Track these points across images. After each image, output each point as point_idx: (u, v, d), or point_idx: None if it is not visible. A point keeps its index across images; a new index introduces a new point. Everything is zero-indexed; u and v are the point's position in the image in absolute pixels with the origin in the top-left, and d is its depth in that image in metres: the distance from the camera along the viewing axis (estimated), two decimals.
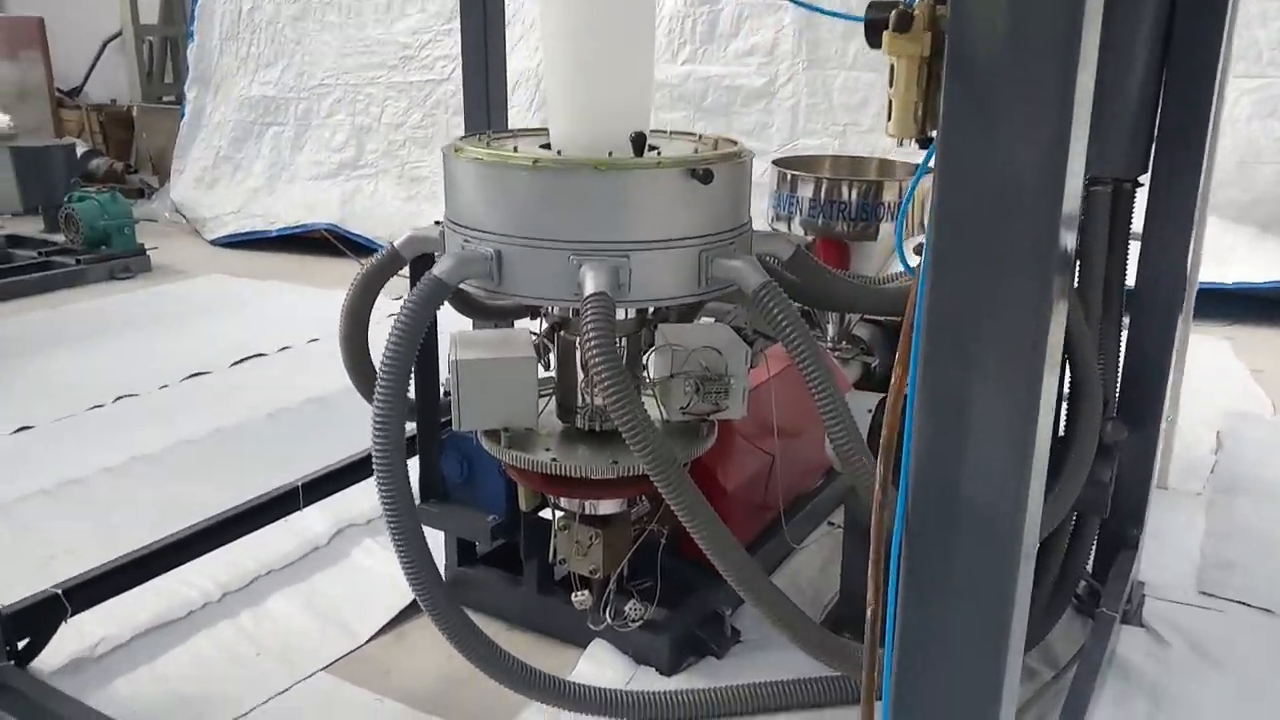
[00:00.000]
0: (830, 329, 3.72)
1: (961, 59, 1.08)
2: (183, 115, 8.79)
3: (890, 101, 1.26)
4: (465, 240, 2.17)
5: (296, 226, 7.76)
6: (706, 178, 2.08)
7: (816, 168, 3.83)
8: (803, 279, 2.44)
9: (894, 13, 1.22)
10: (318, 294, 6.30)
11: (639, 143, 2.16)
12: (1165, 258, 2.71)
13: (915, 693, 1.23)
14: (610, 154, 2.13)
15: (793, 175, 3.56)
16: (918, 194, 3.57)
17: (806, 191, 3.54)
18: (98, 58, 11.33)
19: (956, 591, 1.19)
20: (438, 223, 2.36)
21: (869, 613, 1.26)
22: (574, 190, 2.06)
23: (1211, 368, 4.83)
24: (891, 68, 1.25)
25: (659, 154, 2.23)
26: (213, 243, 8.01)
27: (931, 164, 1.20)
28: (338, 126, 8.04)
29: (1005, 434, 1.14)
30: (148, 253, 7.12)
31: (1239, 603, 2.91)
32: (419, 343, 2.03)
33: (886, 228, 3.51)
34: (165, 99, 10.59)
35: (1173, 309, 2.81)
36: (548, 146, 2.29)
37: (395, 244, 2.38)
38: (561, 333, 2.41)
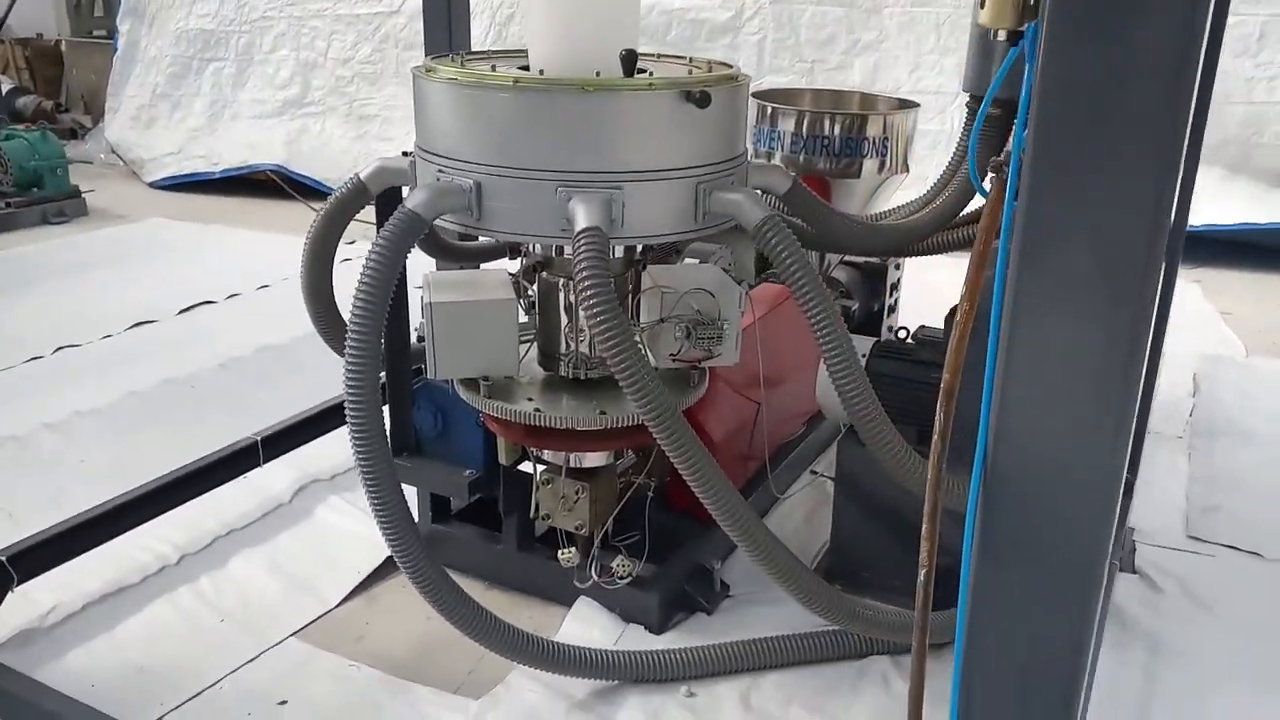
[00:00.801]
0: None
1: None
2: (115, 50, 8.33)
3: None
4: (440, 171, 1.99)
5: (241, 168, 7.42)
6: (703, 100, 1.92)
7: (797, 101, 3.68)
8: (799, 214, 2.30)
9: None
10: (265, 238, 6.02)
11: (629, 61, 1.99)
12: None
13: (989, 658, 1.11)
14: (598, 74, 1.96)
15: (773, 108, 3.41)
16: (899, 129, 3.47)
17: (788, 126, 3.40)
18: None
19: (1041, 552, 1.07)
20: (406, 153, 2.17)
21: (922, 574, 1.14)
22: (560, 114, 1.89)
23: (1183, 310, 4.79)
24: None
25: (651, 75, 2.06)
26: (152, 185, 7.64)
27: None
28: (282, 62, 7.68)
29: (1104, 371, 1.00)
30: (83, 196, 6.76)
31: (1228, 546, 2.88)
32: (393, 285, 1.86)
33: (870, 165, 3.39)
34: (96, 33, 10.06)
35: (1174, 248, 2.72)
36: (527, 69, 2.11)
37: (361, 176, 2.19)
38: (543, 274, 2.25)
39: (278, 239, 5.88)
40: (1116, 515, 1.07)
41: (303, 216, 6.59)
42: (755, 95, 3.57)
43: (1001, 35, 1.07)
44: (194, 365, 4.03)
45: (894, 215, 2.85)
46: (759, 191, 2.22)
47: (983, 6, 1.06)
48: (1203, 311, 5.01)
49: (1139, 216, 0.95)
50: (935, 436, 1.14)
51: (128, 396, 3.73)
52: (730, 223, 2.06)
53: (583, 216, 1.84)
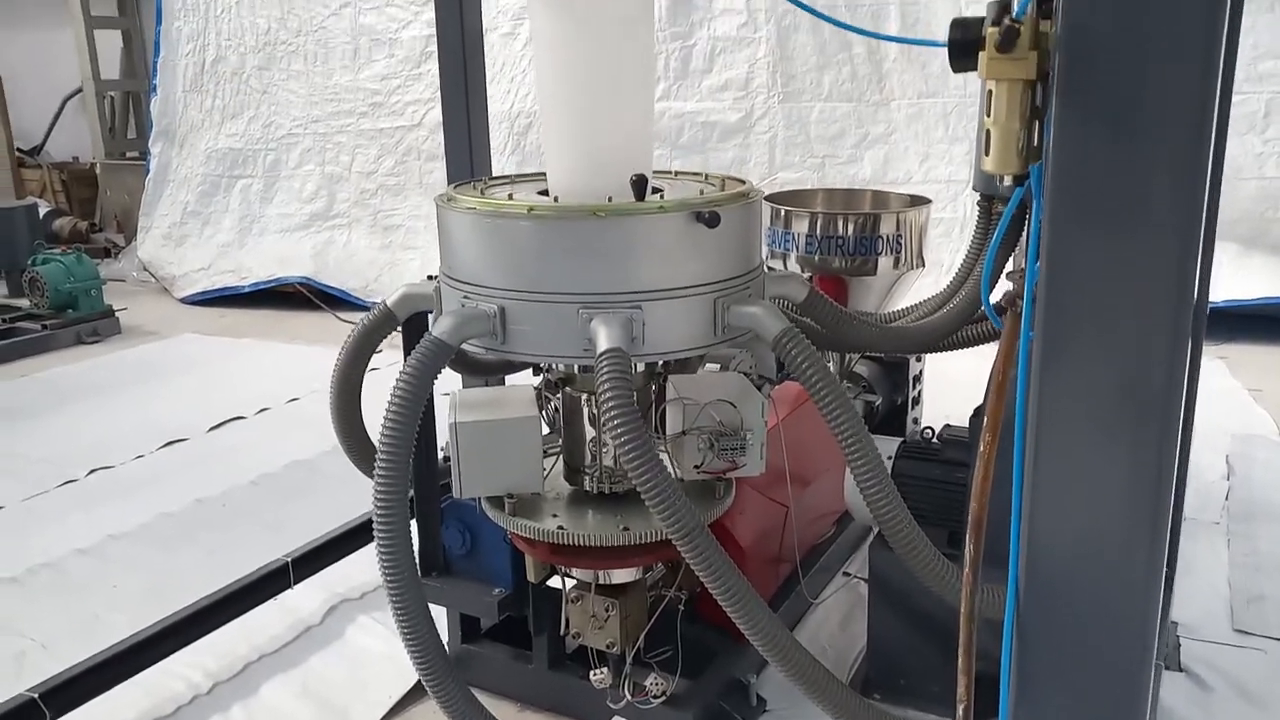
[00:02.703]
0: (831, 367, 3.61)
1: (1077, 76, 0.93)
2: (147, 171, 8.62)
3: (987, 133, 1.09)
4: (465, 297, 2.04)
5: (269, 281, 7.59)
6: (713, 221, 1.96)
7: (809, 202, 3.76)
8: (818, 322, 2.33)
9: (997, 30, 1.04)
10: (294, 351, 6.13)
11: (640, 186, 2.04)
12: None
13: None
14: (610, 199, 2.01)
15: (786, 211, 3.48)
16: (912, 226, 3.52)
17: (801, 227, 3.46)
18: (58, 115, 11.12)
19: (1082, 664, 1.05)
20: (431, 277, 2.23)
21: (960, 710, 1.12)
22: (576, 239, 1.94)
23: (1210, 388, 4.74)
24: (989, 94, 1.08)
25: (662, 197, 2.11)
26: (183, 301, 7.82)
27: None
28: (308, 176, 7.90)
29: (1135, 495, 1.00)
30: (116, 314, 6.92)
31: (1277, 639, 2.80)
32: (421, 412, 1.89)
33: (885, 262, 3.43)
34: (129, 155, 10.40)
35: (1198, 324, 2.71)
36: (546, 193, 2.17)
37: (388, 302, 2.25)
38: (567, 388, 2.28)
39: (306, 351, 5.99)
40: (1158, 624, 1.06)
41: (330, 327, 6.75)
42: (768, 198, 3.64)
43: (1007, 180, 1.10)
44: (225, 483, 4.07)
45: (912, 314, 2.87)
46: (780, 297, 2.26)
47: (987, 154, 1.08)
48: (1230, 389, 4.97)
49: (1157, 341, 0.96)
50: (966, 570, 1.14)
51: (160, 518, 3.76)
52: (750, 334, 2.09)
53: (604, 338, 1.87)
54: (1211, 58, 0.87)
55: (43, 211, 9.22)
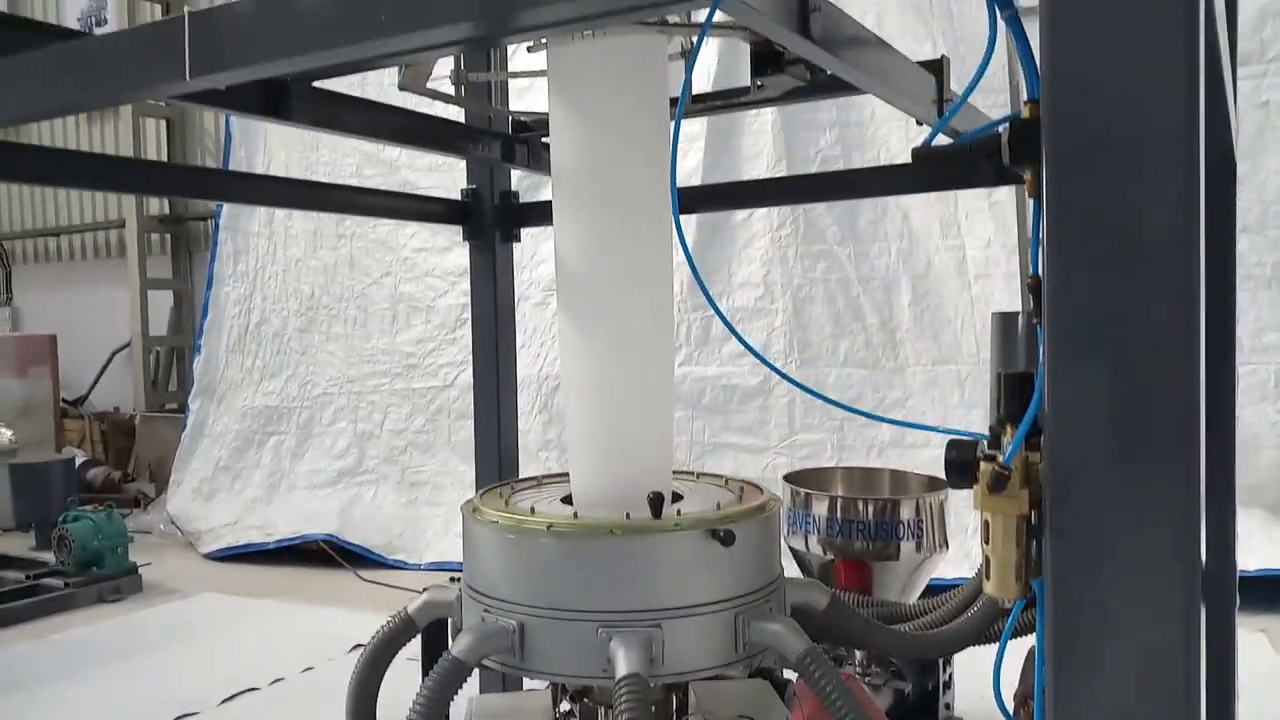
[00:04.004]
0: (859, 653, 3.55)
1: (1063, 515, 0.98)
2: (184, 426, 8.86)
3: (986, 559, 1.13)
4: (485, 610, 2.06)
5: (294, 538, 7.61)
6: (728, 540, 2.00)
7: (828, 483, 3.81)
8: (841, 631, 2.32)
9: (989, 470, 1.09)
10: (312, 612, 6.08)
11: (656, 504, 2.10)
12: (1218, 547, 2.59)
13: None
14: (628, 515, 2.06)
15: (806, 493, 3.53)
16: (932, 509, 3.55)
17: (821, 510, 3.50)
18: (105, 367, 11.61)
19: None
20: (454, 579, 2.26)
21: None
22: (594, 556, 1.98)
23: (1251, 666, 4.54)
24: (985, 523, 1.13)
25: (679, 512, 2.16)
26: (207, 556, 7.81)
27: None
28: (340, 434, 8.10)
29: None
30: (139, 571, 6.92)
31: None
32: None
33: (907, 546, 3.44)
34: (168, 406, 10.75)
35: (1229, 596, 2.66)
36: (569, 499, 2.24)
37: (409, 609, 2.27)
38: (585, 699, 2.25)
39: (325, 613, 5.95)
40: None
41: (350, 586, 6.73)
42: (786, 479, 3.70)
43: (1007, 603, 1.13)
44: None
45: (938, 611, 2.84)
46: (802, 604, 2.26)
47: (988, 578, 1.11)
48: (1273, 666, 4.77)
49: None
50: None
51: None
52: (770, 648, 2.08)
53: (623, 662, 1.87)
54: (1192, 507, 0.92)
55: (79, 461, 9.46)
